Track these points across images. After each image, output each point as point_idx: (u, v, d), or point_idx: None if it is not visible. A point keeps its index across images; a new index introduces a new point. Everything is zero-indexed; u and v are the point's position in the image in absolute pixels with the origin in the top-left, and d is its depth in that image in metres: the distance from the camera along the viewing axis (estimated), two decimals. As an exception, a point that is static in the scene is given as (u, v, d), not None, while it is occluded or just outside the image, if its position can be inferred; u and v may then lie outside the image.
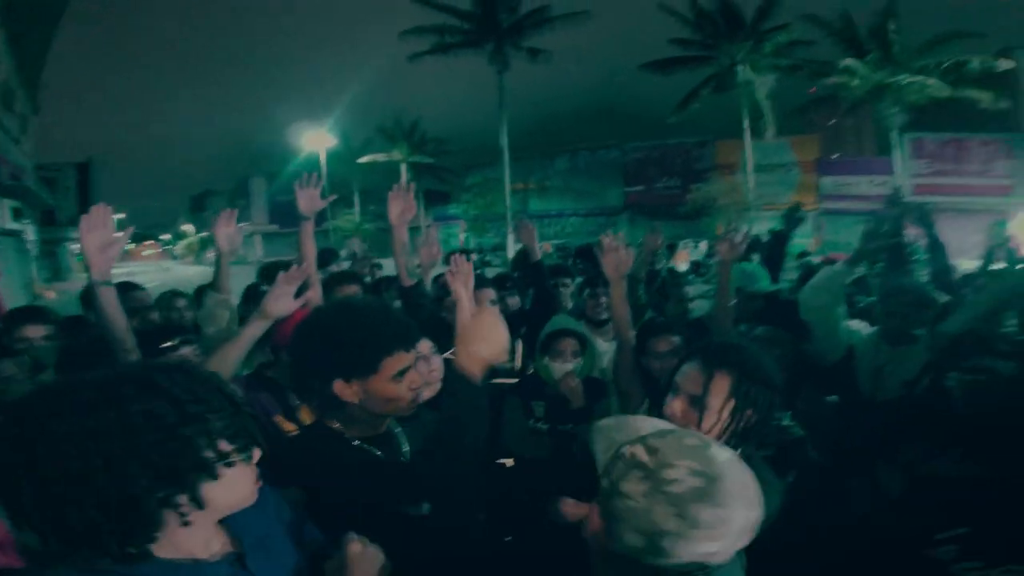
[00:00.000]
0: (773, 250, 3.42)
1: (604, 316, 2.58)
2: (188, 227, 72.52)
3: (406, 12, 22.08)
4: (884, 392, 2.11)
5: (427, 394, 1.56)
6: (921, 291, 2.29)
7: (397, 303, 2.53)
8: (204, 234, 59.43)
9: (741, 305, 2.46)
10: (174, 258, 71.56)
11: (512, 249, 21.17)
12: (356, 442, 1.20)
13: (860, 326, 2.51)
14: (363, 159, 33.76)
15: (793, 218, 3.62)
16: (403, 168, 33.14)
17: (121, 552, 0.70)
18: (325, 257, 3.90)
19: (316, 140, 29.37)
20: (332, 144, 30.62)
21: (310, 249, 2.11)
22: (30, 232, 18.73)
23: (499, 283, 3.00)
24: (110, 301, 1.49)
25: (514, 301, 2.96)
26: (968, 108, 18.76)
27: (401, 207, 2.22)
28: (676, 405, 1.22)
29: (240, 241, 2.16)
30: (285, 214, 39.92)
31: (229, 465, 0.74)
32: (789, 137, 24.30)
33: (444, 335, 1.87)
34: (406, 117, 34.04)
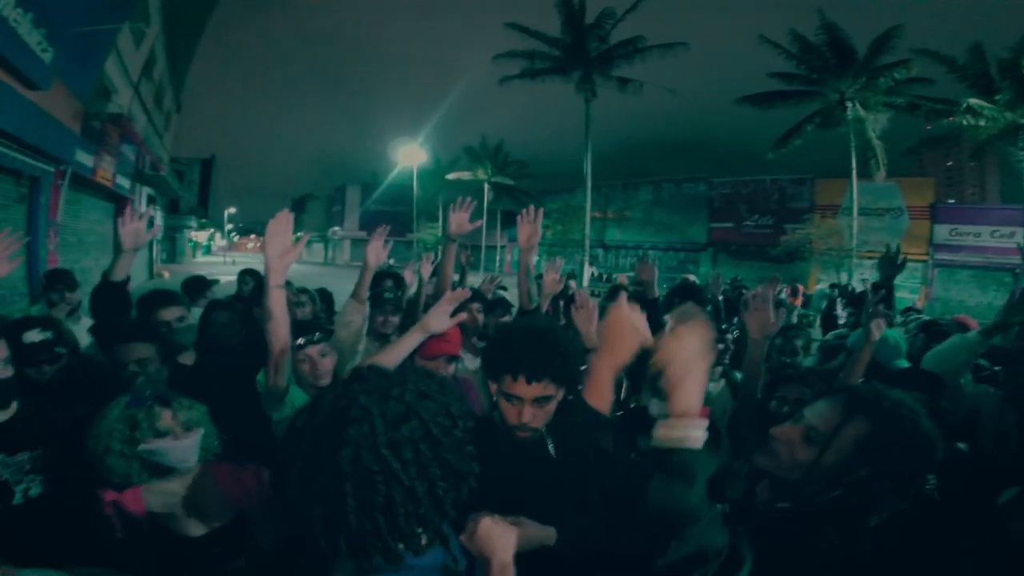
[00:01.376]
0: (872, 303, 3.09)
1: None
2: (287, 226, 78.63)
3: (501, 37, 22.77)
4: (1007, 455, 1.98)
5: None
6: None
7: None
8: (300, 234, 64.16)
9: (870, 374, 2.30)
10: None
11: (587, 277, 21.01)
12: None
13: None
14: (450, 176, 35.29)
15: (890, 265, 3.02)
16: (486, 187, 34.08)
17: (393, 555, 0.78)
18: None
19: (409, 155, 31.00)
20: (423, 160, 32.20)
21: (450, 269, 2.28)
22: (159, 218, 21.02)
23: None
24: (279, 302, 1.61)
25: None
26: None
27: (529, 232, 2.28)
28: (790, 432, 1.13)
29: (385, 257, 2.32)
30: (374, 222, 42.14)
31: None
32: (899, 179, 22.25)
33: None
34: (491, 138, 35.27)
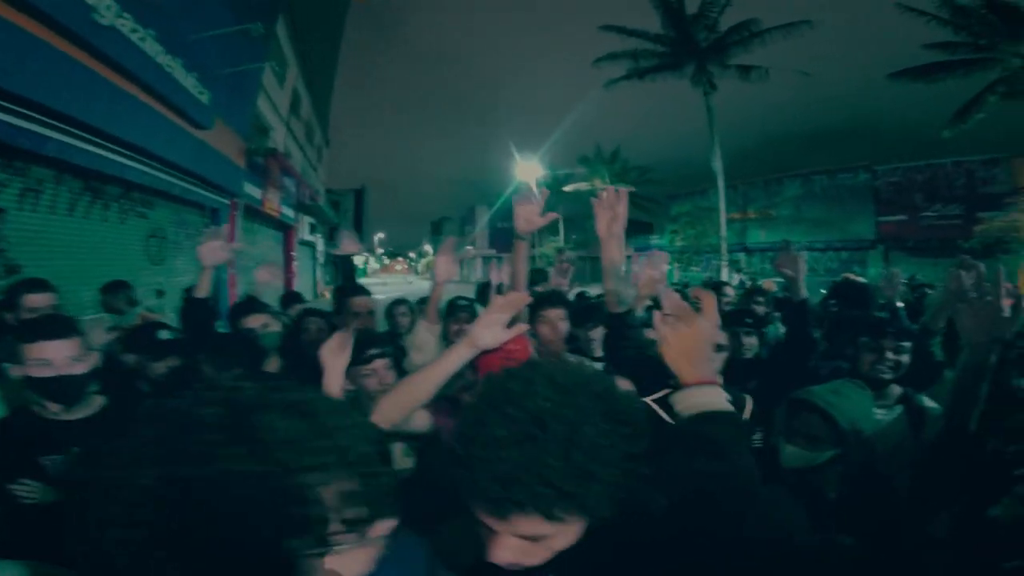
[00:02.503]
0: None
1: (887, 376, 1.88)
2: (428, 247, 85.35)
3: (606, 41, 21.93)
4: None
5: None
6: None
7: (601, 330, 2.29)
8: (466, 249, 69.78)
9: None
10: (416, 273, 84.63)
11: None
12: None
13: None
14: (567, 187, 35.26)
15: None
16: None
17: None
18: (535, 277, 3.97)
19: (527, 171, 31.72)
20: (541, 174, 32.74)
21: (522, 272, 1.90)
22: (320, 243, 23.97)
23: (735, 319, 2.55)
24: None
25: (751, 342, 2.50)
26: None
27: (608, 217, 1.79)
28: None
29: (456, 271, 2.21)
30: (503, 239, 43.96)
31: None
32: None
33: (648, 374, 1.58)
34: (607, 145, 34.51)
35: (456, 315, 2.64)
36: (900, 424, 1.83)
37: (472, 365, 1.53)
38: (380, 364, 1.80)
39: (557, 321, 2.23)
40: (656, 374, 1.15)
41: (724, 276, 20.09)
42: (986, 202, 20.44)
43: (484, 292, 3.78)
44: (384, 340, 1.95)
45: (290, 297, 4.14)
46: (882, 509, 1.29)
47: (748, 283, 22.50)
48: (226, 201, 9.36)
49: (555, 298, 2.34)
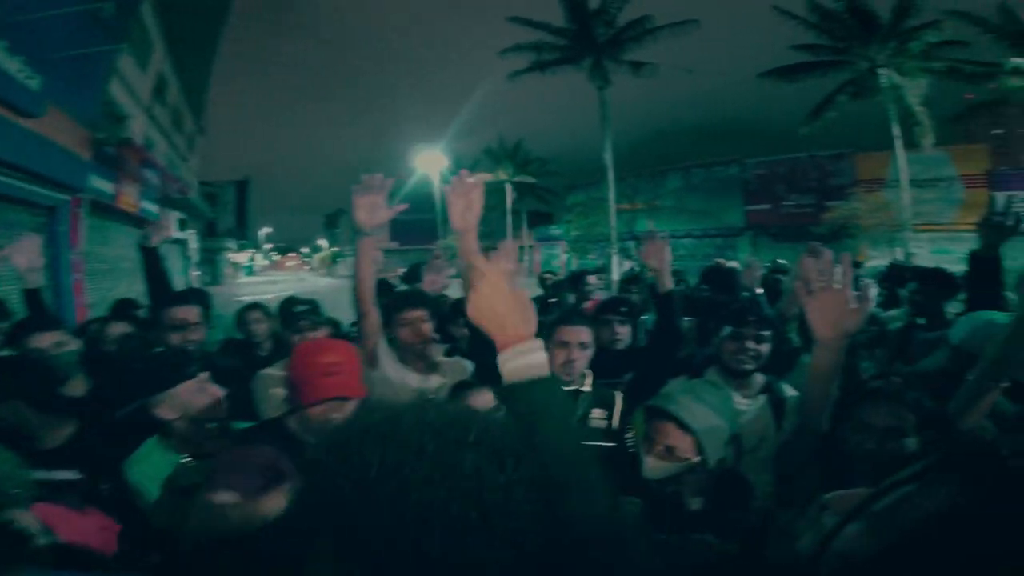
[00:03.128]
0: (978, 281, 2.21)
1: (749, 367, 1.86)
2: (323, 242, 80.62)
3: (513, 32, 22.12)
4: None
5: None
6: None
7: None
8: (335, 249, 65.73)
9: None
10: (312, 269, 79.82)
11: (617, 271, 20.27)
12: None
13: None
14: (471, 179, 35.19)
15: (997, 230, 2.06)
16: (508, 188, 33.77)
17: None
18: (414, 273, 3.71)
19: (429, 162, 30.89)
20: (444, 165, 32.21)
21: (367, 274, 1.74)
22: (193, 240, 21.59)
23: (612, 307, 2.52)
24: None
25: (624, 332, 2.46)
26: None
27: (462, 205, 1.61)
28: None
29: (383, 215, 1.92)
30: (405, 232, 42.68)
31: None
32: (949, 147, 20.84)
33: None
34: (510, 137, 35.01)
35: (296, 323, 2.42)
36: (765, 414, 1.85)
37: (295, 392, 1.32)
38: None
39: (419, 323, 2.02)
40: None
41: (615, 264, 21.07)
42: (833, 193, 23.54)
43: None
44: (203, 359, 1.63)
45: (124, 305, 3.49)
46: (744, 517, 1.24)
47: (637, 270, 23.88)
48: (66, 197, 8.01)
49: (413, 299, 2.13)
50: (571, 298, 4.06)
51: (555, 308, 3.55)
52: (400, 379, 1.97)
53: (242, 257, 57.23)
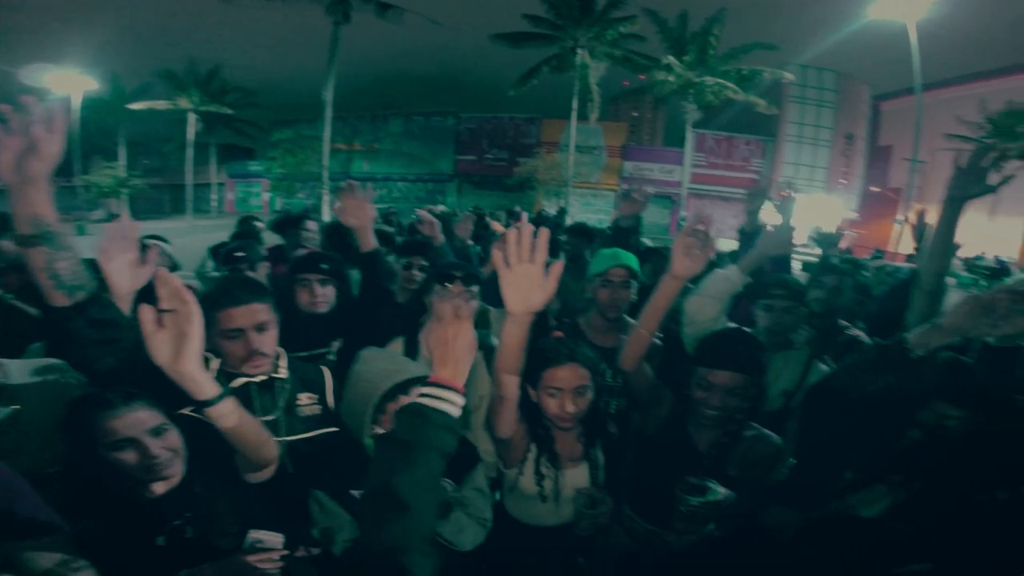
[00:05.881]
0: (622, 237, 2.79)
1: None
2: None
3: None
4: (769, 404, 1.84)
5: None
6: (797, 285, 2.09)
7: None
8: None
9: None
10: None
11: (328, 213, 19.09)
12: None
13: None
14: (136, 105, 27.38)
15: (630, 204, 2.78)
16: (191, 118, 27.89)
17: None
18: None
19: (65, 82, 23.08)
20: (92, 88, 24.59)
21: None
22: None
23: (310, 264, 2.10)
24: None
25: (326, 293, 2.10)
26: (741, 110, 22.21)
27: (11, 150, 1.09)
28: None
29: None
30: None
31: None
32: (602, 123, 26.28)
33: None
34: (207, 62, 28.40)
35: None
36: (480, 367, 1.87)
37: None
38: None
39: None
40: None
41: (325, 203, 19.78)
42: (523, 150, 27.28)
43: None
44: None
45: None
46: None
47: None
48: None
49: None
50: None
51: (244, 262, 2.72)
52: None
53: None
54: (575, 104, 22.32)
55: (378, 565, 0.80)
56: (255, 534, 1.18)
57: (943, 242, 1.71)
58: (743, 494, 1.57)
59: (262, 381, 1.51)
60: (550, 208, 20.27)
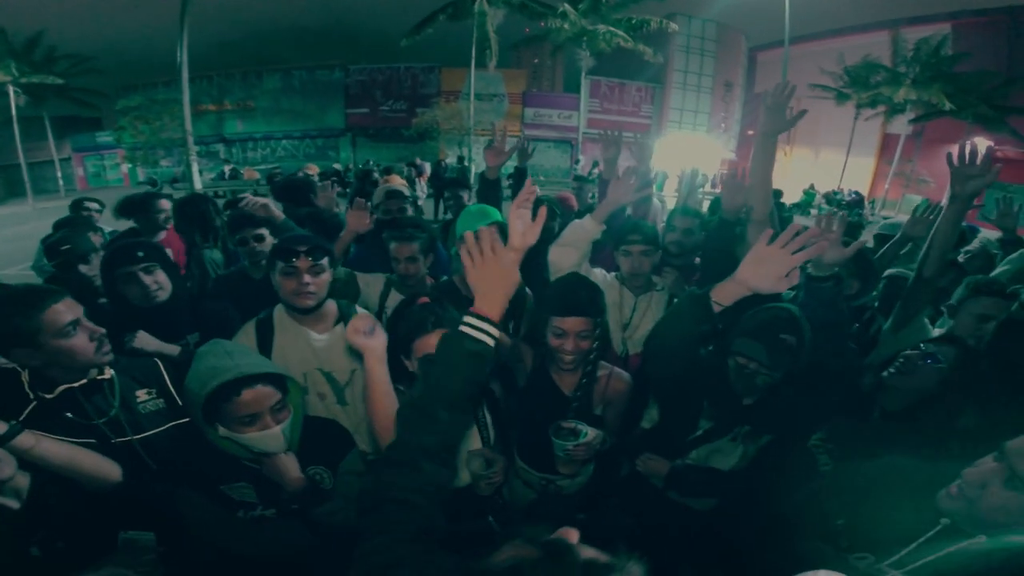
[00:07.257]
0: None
1: (310, 303, 1.76)
2: None
3: None
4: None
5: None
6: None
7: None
8: None
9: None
10: None
11: (199, 180, 17.23)
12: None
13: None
14: None
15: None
16: (11, 91, 23.46)
17: None
18: None
19: None
20: None
21: None
22: None
23: (123, 257, 1.78)
24: None
25: (158, 279, 1.82)
26: (632, 58, 22.78)
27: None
28: None
29: None
30: None
31: None
32: (503, 70, 25.87)
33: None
34: (23, 28, 23.42)
35: None
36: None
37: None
38: None
39: None
40: None
41: (195, 170, 17.73)
42: (422, 100, 26.35)
43: None
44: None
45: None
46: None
47: (230, 171, 21.21)
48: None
49: None
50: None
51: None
52: None
53: None
54: (474, 52, 21.66)
55: (402, 462, 0.93)
56: (127, 535, 1.21)
57: (763, 172, 1.85)
58: (610, 431, 1.68)
59: (84, 385, 1.39)
60: (451, 158, 19.94)
